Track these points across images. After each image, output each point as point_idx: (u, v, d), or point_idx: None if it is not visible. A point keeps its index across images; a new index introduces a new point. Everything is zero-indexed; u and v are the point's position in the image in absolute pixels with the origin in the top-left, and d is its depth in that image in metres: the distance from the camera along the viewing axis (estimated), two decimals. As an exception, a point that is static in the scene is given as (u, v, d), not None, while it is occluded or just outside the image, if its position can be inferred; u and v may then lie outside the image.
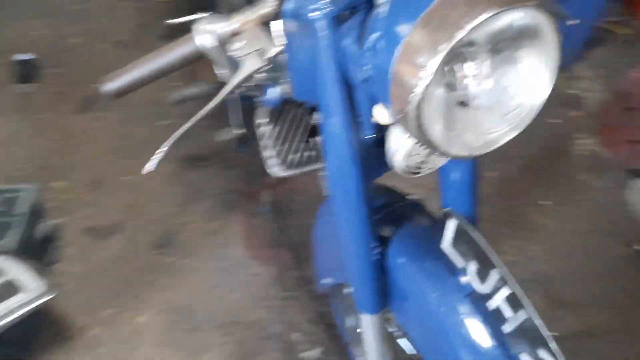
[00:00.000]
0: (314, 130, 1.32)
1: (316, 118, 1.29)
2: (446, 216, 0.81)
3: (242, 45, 0.71)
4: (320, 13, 0.69)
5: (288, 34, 0.86)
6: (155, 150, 0.73)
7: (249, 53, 0.70)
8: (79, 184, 1.99)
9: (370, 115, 0.79)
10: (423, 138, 0.61)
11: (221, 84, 1.77)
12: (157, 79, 0.76)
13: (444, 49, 0.54)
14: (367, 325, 0.94)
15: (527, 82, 0.62)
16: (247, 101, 1.77)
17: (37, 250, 1.63)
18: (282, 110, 1.31)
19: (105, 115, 2.21)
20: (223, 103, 1.91)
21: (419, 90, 0.56)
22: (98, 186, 1.99)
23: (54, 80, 2.34)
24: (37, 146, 2.12)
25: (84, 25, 2.57)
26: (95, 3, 2.68)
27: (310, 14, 0.70)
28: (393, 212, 0.91)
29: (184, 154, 2.02)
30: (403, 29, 0.59)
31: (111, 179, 2.01)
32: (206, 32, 0.69)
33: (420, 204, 0.94)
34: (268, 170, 1.30)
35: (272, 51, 0.71)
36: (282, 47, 0.74)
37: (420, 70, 0.56)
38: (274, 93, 1.01)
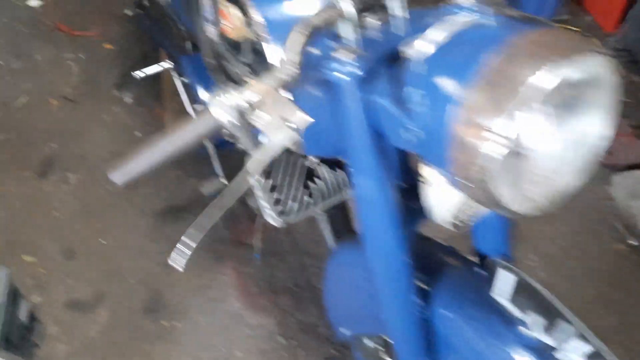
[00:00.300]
0: (309, 174, 1.26)
1: (312, 162, 1.24)
2: (491, 264, 0.77)
3: (266, 116, 0.65)
4: (348, 75, 0.64)
5: (296, 89, 0.81)
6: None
7: (276, 124, 0.64)
8: (51, 254, 1.86)
9: (402, 168, 0.75)
10: (489, 198, 0.56)
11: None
12: (169, 161, 0.70)
13: (516, 108, 0.50)
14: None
15: (588, 126, 0.58)
16: (225, 147, 1.69)
17: (19, 338, 1.49)
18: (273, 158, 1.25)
19: (68, 176, 2.08)
20: (203, 150, 1.80)
21: (494, 153, 0.51)
22: (72, 255, 1.86)
23: (6, 147, 2.20)
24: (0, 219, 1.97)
25: (29, 84, 2.43)
26: (38, 59, 2.54)
27: (336, 76, 0.65)
28: (431, 262, 0.86)
29: (162, 206, 1.92)
30: (455, 87, 0.55)
31: (85, 244, 1.88)
32: (227, 107, 0.63)
33: (455, 250, 0.90)
34: (269, 221, 1.23)
35: (302, 120, 0.65)
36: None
37: (486, 131, 0.52)
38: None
